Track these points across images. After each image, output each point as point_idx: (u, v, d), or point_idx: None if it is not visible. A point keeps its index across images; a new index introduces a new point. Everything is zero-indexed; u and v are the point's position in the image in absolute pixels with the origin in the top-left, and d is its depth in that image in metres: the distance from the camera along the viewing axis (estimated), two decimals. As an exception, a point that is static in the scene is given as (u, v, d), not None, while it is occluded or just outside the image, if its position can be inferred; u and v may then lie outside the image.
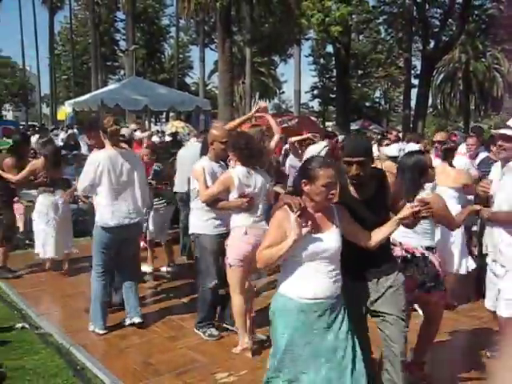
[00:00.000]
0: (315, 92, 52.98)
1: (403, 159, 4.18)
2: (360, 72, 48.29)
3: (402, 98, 42.25)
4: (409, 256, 3.94)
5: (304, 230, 2.83)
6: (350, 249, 3.05)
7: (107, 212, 4.95)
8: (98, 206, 5.04)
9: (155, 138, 14.26)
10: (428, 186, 4.16)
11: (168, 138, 13.14)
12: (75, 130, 18.52)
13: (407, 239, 3.90)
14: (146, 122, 19.98)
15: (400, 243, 3.92)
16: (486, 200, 4.13)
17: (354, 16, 27.55)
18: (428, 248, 4.02)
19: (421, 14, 28.75)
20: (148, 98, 15.74)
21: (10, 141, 9.82)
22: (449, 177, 5.54)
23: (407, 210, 3.04)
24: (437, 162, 5.39)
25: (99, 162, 4.89)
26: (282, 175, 8.35)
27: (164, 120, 29.76)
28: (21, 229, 8.53)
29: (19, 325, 5.23)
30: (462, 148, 7.55)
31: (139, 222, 5.30)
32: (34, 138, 15.41)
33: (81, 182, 5.02)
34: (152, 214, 6.93)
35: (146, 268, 7.00)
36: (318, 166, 2.94)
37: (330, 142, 6.94)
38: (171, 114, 19.65)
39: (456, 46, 35.15)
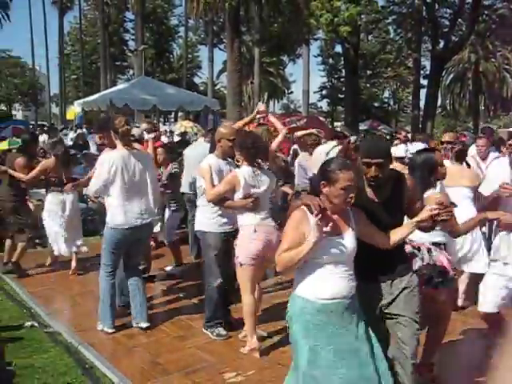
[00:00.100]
0: (324, 92, 52.92)
1: (413, 157, 4.18)
2: (369, 72, 48.17)
3: (410, 98, 42.04)
4: (415, 251, 3.91)
5: (325, 232, 2.79)
6: (363, 250, 3.03)
7: (119, 212, 4.93)
8: (110, 206, 5.02)
9: (163, 138, 14.28)
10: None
11: (177, 138, 13.16)
12: (84, 130, 18.61)
13: (418, 235, 3.86)
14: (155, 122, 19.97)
15: (410, 240, 3.89)
16: (497, 203, 4.07)
17: (363, 16, 27.46)
18: (435, 244, 3.98)
19: (430, 14, 28.63)
20: (157, 98, 15.77)
21: (19, 140, 9.88)
22: (464, 176, 5.51)
23: (426, 212, 3.02)
24: (446, 163, 5.36)
25: (113, 161, 4.87)
26: (290, 175, 8.35)
27: (173, 120, 29.81)
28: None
29: (28, 323, 5.25)
30: (472, 150, 7.50)
31: (151, 223, 5.29)
32: (41, 138, 15.50)
33: (94, 182, 4.98)
34: (168, 215, 7.00)
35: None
36: (338, 169, 2.91)
37: (339, 142, 6.90)
38: (180, 114, 19.63)
39: (466, 46, 34.99)
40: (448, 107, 50.10)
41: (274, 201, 5.10)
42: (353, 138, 7.04)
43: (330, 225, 2.80)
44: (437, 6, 29.23)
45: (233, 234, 4.84)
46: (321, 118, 28.59)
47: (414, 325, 3.20)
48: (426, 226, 3.15)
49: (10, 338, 4.77)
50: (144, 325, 5.15)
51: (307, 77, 39.30)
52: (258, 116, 5.65)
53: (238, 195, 4.60)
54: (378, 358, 2.99)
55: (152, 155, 5.83)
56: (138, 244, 5.21)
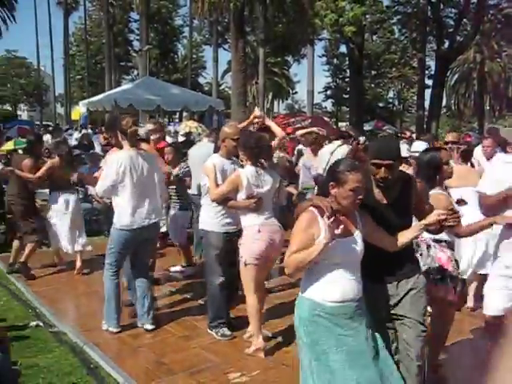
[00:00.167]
0: (328, 92, 52.90)
1: (419, 156, 4.19)
2: (373, 72, 48.13)
3: (415, 98, 42.00)
4: (414, 247, 3.89)
5: (336, 234, 2.76)
6: (370, 251, 3.02)
7: (126, 213, 4.91)
8: (117, 206, 5.00)
9: (168, 139, 14.29)
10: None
11: (181, 138, 13.17)
12: (89, 130, 18.66)
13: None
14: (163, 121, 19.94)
15: None
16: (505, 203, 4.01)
17: (367, 16, 27.47)
18: (437, 240, 3.96)
19: (435, 14, 28.58)
20: (161, 98, 15.82)
21: (24, 140, 9.91)
22: (470, 177, 5.50)
23: (434, 216, 3.01)
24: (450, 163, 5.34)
25: (121, 162, 4.86)
26: (294, 175, 8.35)
27: (177, 120, 29.84)
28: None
29: (34, 323, 5.26)
30: (478, 151, 7.48)
31: (158, 223, 5.28)
32: (45, 138, 15.53)
33: (102, 183, 4.96)
34: (177, 214, 7.01)
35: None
36: (346, 170, 2.89)
37: (344, 141, 6.89)
38: (184, 114, 19.70)
39: (471, 46, 34.90)
40: (453, 107, 49.99)
41: (277, 201, 5.08)
42: (362, 139, 7.03)
43: (342, 227, 2.77)
44: (442, 5, 29.18)
45: (236, 234, 4.84)
46: (325, 119, 28.55)
47: (419, 326, 3.18)
48: (433, 230, 3.14)
49: (15, 338, 4.77)
50: (149, 327, 5.14)
51: (312, 77, 39.24)
52: (255, 120, 5.64)
53: (241, 195, 4.61)
54: (386, 358, 2.98)
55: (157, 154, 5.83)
56: (146, 244, 5.20)
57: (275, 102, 61.32)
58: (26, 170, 6.96)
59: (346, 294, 2.89)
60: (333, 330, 2.88)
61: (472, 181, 5.43)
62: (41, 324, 5.27)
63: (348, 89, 39.51)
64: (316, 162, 7.29)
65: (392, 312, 3.24)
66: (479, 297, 5.52)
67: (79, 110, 20.37)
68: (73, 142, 16.91)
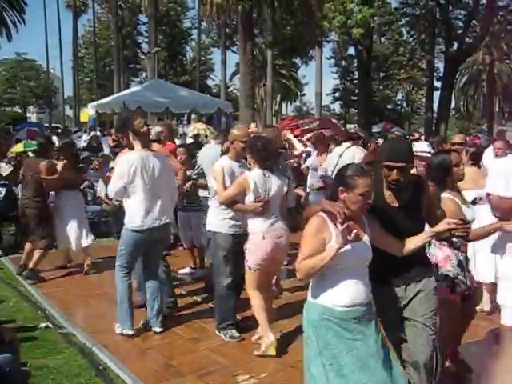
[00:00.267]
0: (337, 94, 52.85)
1: (430, 159, 4.19)
2: (382, 74, 48.03)
3: (424, 100, 41.85)
4: None
5: (348, 240, 2.75)
6: (379, 254, 3.01)
7: (137, 214, 4.90)
8: (128, 207, 4.99)
9: (176, 141, 14.32)
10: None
11: (190, 140, 13.19)
12: (98, 132, 18.74)
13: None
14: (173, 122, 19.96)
15: None
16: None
17: (376, 18, 27.43)
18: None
19: (444, 16, 28.51)
20: (170, 100, 15.85)
21: (35, 142, 9.97)
22: (480, 179, 5.46)
23: (443, 225, 2.99)
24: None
25: (132, 162, 4.83)
26: (302, 177, 8.37)
27: (185, 122, 29.92)
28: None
29: (43, 324, 5.28)
30: (488, 152, 7.44)
31: (168, 224, 5.26)
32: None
33: (113, 184, 4.93)
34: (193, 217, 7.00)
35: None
36: (355, 175, 2.89)
37: (353, 143, 6.89)
38: (193, 116, 19.72)
39: (480, 48, 34.73)
40: (462, 109, 49.73)
41: (284, 204, 5.08)
42: (381, 141, 7.03)
43: (354, 232, 2.75)
44: (450, 7, 29.08)
45: (244, 236, 4.84)
46: (333, 120, 28.51)
47: (426, 330, 3.17)
48: (442, 236, 3.13)
49: (24, 339, 4.79)
50: (158, 329, 5.14)
51: (320, 79, 39.25)
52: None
53: (249, 198, 4.64)
54: (395, 362, 2.99)
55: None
56: (157, 245, 5.18)
57: (283, 104, 61.35)
58: (44, 172, 7.01)
59: (354, 298, 2.89)
60: (342, 334, 2.87)
61: (482, 183, 5.41)
62: (50, 325, 5.29)
63: (356, 91, 39.51)
64: (326, 163, 7.29)
65: (401, 315, 3.23)
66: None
67: (88, 112, 20.51)
68: (82, 143, 17.01)
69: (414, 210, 3.18)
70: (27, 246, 7.16)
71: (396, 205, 3.17)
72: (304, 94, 63.10)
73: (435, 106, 31.23)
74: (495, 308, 5.38)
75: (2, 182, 8.96)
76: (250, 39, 21.54)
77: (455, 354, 4.29)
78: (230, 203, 4.74)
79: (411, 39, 36.64)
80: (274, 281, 5.73)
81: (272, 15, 24.91)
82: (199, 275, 7.02)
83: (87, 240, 7.31)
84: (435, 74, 35.29)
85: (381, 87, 49.57)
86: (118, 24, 38.55)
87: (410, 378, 3.24)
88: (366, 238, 2.98)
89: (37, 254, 6.93)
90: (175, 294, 5.94)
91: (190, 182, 6.45)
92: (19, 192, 8.70)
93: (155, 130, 6.19)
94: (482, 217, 4.35)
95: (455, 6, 29.73)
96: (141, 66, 52.08)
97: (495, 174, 3.86)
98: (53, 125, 40.38)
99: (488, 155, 7.39)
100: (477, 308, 4.85)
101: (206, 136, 13.23)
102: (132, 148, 5.04)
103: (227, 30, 41.30)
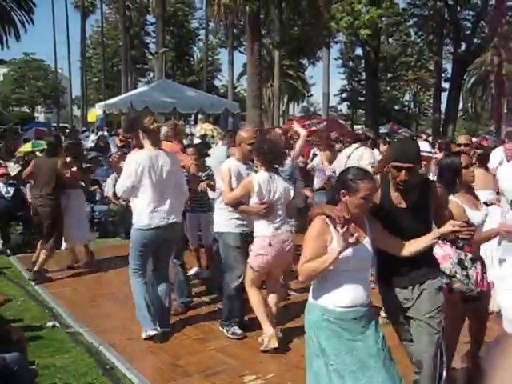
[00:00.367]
0: (344, 95, 52.82)
1: (440, 161, 4.19)
2: (389, 75, 47.95)
3: (431, 101, 41.74)
4: None
5: (350, 242, 2.77)
6: (386, 256, 3.00)
7: (145, 213, 4.87)
8: (136, 207, 4.97)
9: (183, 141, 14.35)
10: None
11: (197, 141, 13.21)
12: (105, 132, 18.80)
13: None
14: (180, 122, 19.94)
15: None
16: None
17: (383, 19, 27.34)
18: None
19: (452, 16, 28.42)
20: (177, 101, 15.87)
21: (43, 142, 10.01)
22: (489, 180, 5.46)
23: (448, 227, 2.99)
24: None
25: (139, 162, 4.81)
26: (310, 178, 8.37)
27: (192, 122, 29.98)
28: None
29: (50, 323, 5.30)
30: (496, 153, 7.41)
31: (177, 223, 5.18)
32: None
33: (121, 183, 4.92)
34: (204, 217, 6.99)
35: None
36: (358, 178, 2.90)
37: (362, 144, 6.87)
38: (200, 117, 19.71)
39: (488, 49, 34.59)
40: (470, 110, 49.57)
41: (291, 205, 5.07)
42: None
43: (356, 235, 2.77)
44: (459, 7, 28.98)
45: (251, 235, 4.85)
46: (341, 121, 28.48)
47: (429, 329, 3.17)
48: (448, 238, 3.12)
49: (32, 338, 4.81)
50: (166, 330, 5.08)
51: (327, 80, 39.23)
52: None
53: (253, 200, 4.66)
54: (394, 362, 3.00)
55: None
56: (166, 245, 5.13)
57: (290, 105, 61.35)
58: (64, 169, 7.06)
59: (355, 299, 2.91)
60: (342, 334, 2.90)
61: (490, 185, 5.40)
62: (57, 324, 5.31)
63: (363, 91, 39.46)
64: (336, 163, 7.28)
65: (407, 314, 3.23)
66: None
67: (95, 112, 20.57)
68: (89, 144, 17.07)
69: (422, 211, 3.18)
70: (39, 245, 7.18)
71: (403, 206, 3.16)
72: (311, 95, 63.16)
73: (443, 107, 31.23)
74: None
75: (11, 181, 9.00)
76: (257, 40, 21.54)
77: (475, 359, 4.23)
78: (235, 204, 4.77)
79: (419, 40, 36.59)
80: (281, 280, 5.72)
81: (279, 16, 24.91)
82: (206, 275, 7.02)
83: (86, 238, 7.41)
84: (443, 74, 35.22)
85: (388, 88, 49.48)
86: (126, 24, 38.66)
87: (414, 377, 3.25)
88: (366, 240, 2.99)
89: (42, 256, 6.92)
90: (191, 293, 5.98)
91: (203, 184, 6.44)
92: (27, 191, 8.75)
93: (163, 130, 6.18)
94: (494, 219, 4.34)
95: (463, 7, 29.63)
96: (148, 66, 52.24)
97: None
98: (60, 125, 40.56)
99: (495, 156, 7.36)
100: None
101: (213, 136, 13.25)
102: (142, 147, 5.02)
103: (235, 31, 41.39)
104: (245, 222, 4.95)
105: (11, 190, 8.79)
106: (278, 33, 25.96)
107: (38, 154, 10.50)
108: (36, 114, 58.17)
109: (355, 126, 43.12)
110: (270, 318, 4.85)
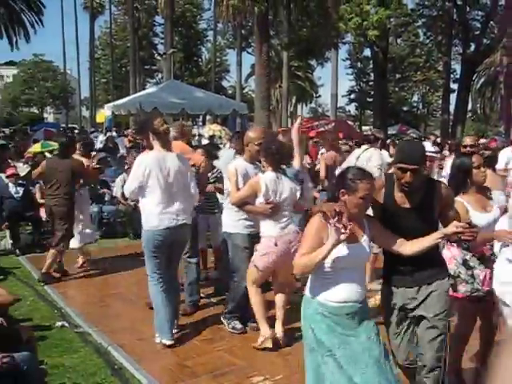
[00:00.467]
0: (352, 96, 52.72)
1: (452, 162, 4.24)
2: (398, 76, 47.81)
3: (440, 102, 41.62)
4: None
5: (342, 237, 2.79)
6: (391, 256, 3.00)
7: (154, 214, 4.86)
8: (144, 208, 4.96)
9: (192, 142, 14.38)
10: None
11: (205, 142, 13.24)
12: (114, 133, 18.87)
13: None
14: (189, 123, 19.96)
15: None
16: None
17: (392, 19, 27.29)
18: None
19: (461, 17, 28.31)
20: (185, 102, 15.87)
21: (52, 143, 10.08)
22: (497, 181, 5.43)
23: (451, 228, 2.99)
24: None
25: (146, 165, 4.81)
26: (318, 179, 8.36)
27: (201, 123, 30.05)
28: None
29: (59, 323, 5.32)
30: (504, 153, 7.38)
31: (187, 224, 5.13)
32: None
33: (129, 184, 4.93)
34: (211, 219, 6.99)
35: None
36: (357, 178, 2.93)
37: (371, 145, 6.87)
38: (208, 118, 19.73)
39: (497, 49, 34.44)
40: (478, 111, 49.34)
41: (298, 206, 5.08)
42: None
43: (350, 227, 2.79)
44: (468, 8, 28.86)
45: (258, 236, 4.86)
46: (349, 122, 28.44)
47: (434, 329, 3.17)
48: (451, 239, 3.12)
49: (41, 338, 4.83)
50: (174, 330, 5.03)
51: (335, 80, 39.16)
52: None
53: (259, 200, 4.67)
54: (387, 358, 3.02)
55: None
56: (176, 247, 5.10)
57: (299, 106, 61.30)
58: (83, 167, 7.15)
59: (349, 295, 2.96)
60: (335, 328, 2.96)
61: (497, 185, 5.37)
62: (66, 324, 5.33)
63: (372, 92, 39.37)
64: (343, 163, 7.29)
65: (412, 314, 3.23)
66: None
67: (104, 113, 20.61)
68: (98, 144, 17.14)
69: (426, 211, 3.18)
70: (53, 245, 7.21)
71: (407, 206, 3.17)
72: (319, 96, 62.99)
73: (452, 108, 31.08)
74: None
75: (20, 181, 9.05)
76: (265, 41, 21.57)
77: (485, 359, 4.21)
78: (241, 204, 4.78)
79: (428, 41, 36.48)
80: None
81: (288, 17, 24.88)
82: (215, 276, 7.03)
83: (87, 237, 7.44)
84: (452, 75, 35.04)
85: (397, 89, 49.35)
86: (135, 25, 38.80)
87: (417, 377, 3.26)
88: (364, 238, 3.02)
89: (48, 259, 6.88)
90: (199, 293, 6.00)
91: (210, 186, 6.44)
92: (37, 192, 8.80)
93: (172, 132, 6.18)
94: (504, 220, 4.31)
95: (473, 7, 29.53)
96: (157, 67, 52.37)
97: None
98: (69, 125, 40.79)
99: (503, 157, 7.33)
100: None
101: (221, 137, 13.26)
102: (152, 149, 5.03)
103: (243, 32, 41.44)
104: (253, 223, 4.97)
105: (21, 190, 8.84)
106: (286, 34, 25.92)
107: (47, 154, 10.56)
108: (45, 115, 58.55)
109: (363, 127, 42.99)
110: (280, 317, 4.87)
